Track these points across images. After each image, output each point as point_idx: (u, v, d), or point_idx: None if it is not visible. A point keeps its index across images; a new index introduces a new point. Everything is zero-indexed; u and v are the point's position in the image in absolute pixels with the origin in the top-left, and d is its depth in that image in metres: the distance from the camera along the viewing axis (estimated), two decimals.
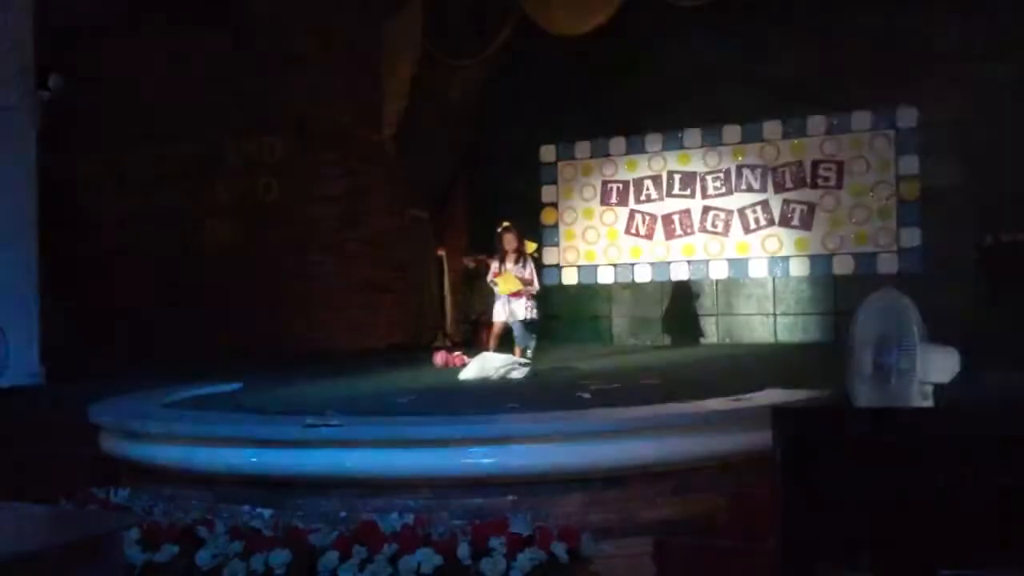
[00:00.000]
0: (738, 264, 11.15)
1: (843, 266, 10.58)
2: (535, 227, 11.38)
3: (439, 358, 8.92)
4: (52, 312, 7.73)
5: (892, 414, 3.66)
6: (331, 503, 4.46)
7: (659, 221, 11.56)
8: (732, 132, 11.18)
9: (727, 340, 11.12)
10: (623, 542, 3.83)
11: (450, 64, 10.72)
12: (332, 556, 3.50)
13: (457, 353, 8.88)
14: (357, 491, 4.53)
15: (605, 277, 11.86)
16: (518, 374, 7.50)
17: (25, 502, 4.40)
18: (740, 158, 11.16)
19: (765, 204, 11.00)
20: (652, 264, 11.60)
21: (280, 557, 3.50)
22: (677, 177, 11.47)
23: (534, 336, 8.75)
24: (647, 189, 11.62)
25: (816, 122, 10.75)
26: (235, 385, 7.19)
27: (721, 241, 11.23)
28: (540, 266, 10.03)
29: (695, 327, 11.27)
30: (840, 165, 10.63)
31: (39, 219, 7.90)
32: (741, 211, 11.13)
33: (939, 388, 4.09)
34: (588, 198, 11.95)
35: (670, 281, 11.50)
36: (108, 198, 8.58)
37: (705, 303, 11.29)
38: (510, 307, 8.64)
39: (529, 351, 8.61)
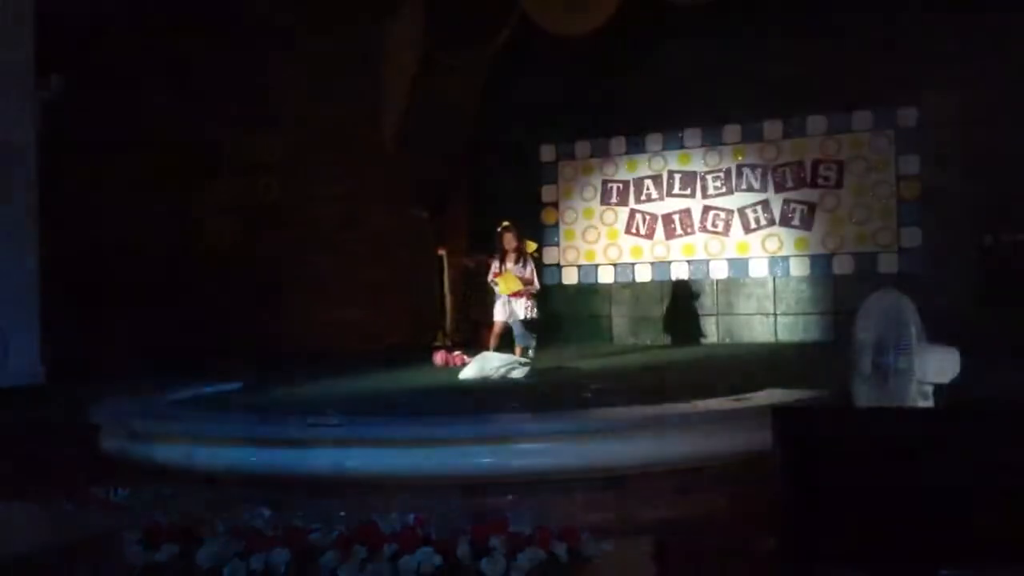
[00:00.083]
0: (738, 264, 11.15)
1: (843, 266, 10.59)
2: (535, 227, 11.38)
3: (439, 358, 8.93)
4: (52, 312, 7.73)
5: (892, 414, 3.67)
6: (331, 503, 4.46)
7: (659, 221, 11.56)
8: (732, 132, 11.18)
9: (727, 340, 11.12)
10: (623, 542, 3.82)
11: (450, 64, 10.71)
12: (332, 556, 3.49)
13: (457, 353, 8.89)
14: (357, 491, 4.53)
15: (605, 277, 11.86)
16: (518, 374, 7.51)
17: (25, 502, 4.41)
18: (740, 158, 11.16)
19: (765, 204, 11.00)
20: (652, 264, 11.60)
21: (280, 556, 3.50)
22: (677, 177, 11.47)
23: (534, 335, 8.76)
24: (647, 189, 11.62)
25: (816, 122, 10.76)
26: (235, 385, 7.20)
27: (721, 241, 11.23)
28: (540, 266, 10.04)
29: (695, 327, 11.28)
30: (840, 165, 10.64)
31: (40, 219, 7.91)
32: (741, 211, 11.14)
33: (939, 388, 4.10)
34: (588, 198, 11.95)
35: (670, 281, 11.50)
36: (108, 198, 8.57)
37: (705, 303, 11.30)
38: (510, 307, 8.65)
39: (530, 351, 8.62)
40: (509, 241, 8.74)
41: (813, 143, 10.79)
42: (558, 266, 12.04)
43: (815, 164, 10.76)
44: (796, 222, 10.86)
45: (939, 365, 4.03)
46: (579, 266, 12.01)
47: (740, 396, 5.39)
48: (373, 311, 10.35)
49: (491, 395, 6.57)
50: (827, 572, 2.90)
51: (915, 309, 4.04)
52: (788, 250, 10.90)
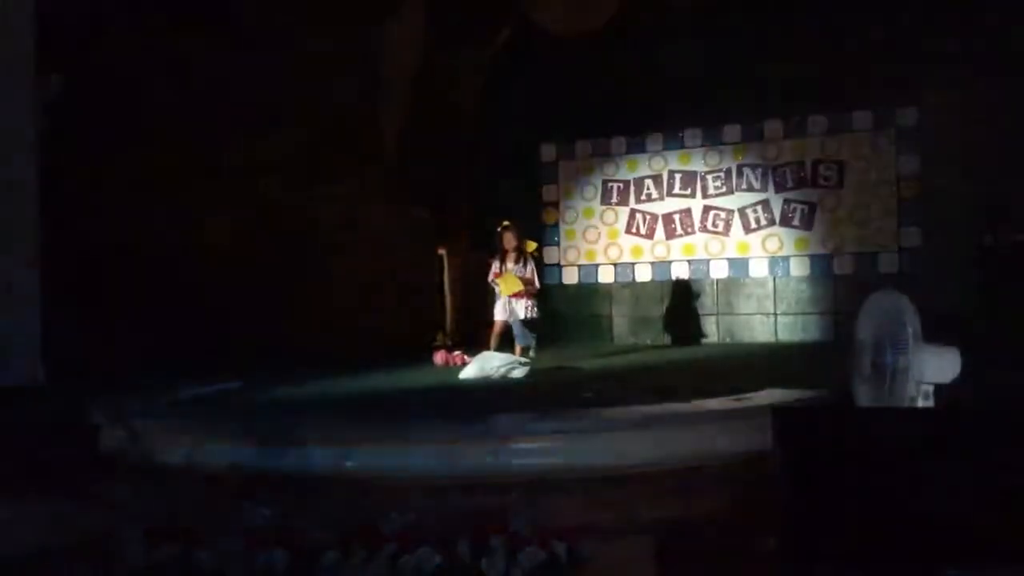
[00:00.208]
0: (738, 264, 11.15)
1: (843, 266, 10.59)
2: (536, 226, 11.38)
3: (439, 357, 8.93)
4: (52, 312, 7.72)
5: (892, 414, 3.67)
6: (331, 502, 4.46)
7: (660, 220, 11.56)
8: (733, 131, 11.19)
9: (727, 339, 11.13)
10: (623, 542, 3.82)
11: (451, 64, 10.72)
12: (332, 555, 3.49)
13: (457, 352, 8.89)
14: (357, 490, 4.53)
15: (606, 276, 11.87)
16: (518, 373, 7.51)
17: (25, 502, 4.41)
18: (741, 157, 11.17)
19: (766, 203, 11.01)
20: (652, 263, 11.61)
21: (280, 556, 3.50)
22: (678, 176, 11.48)
23: (534, 335, 8.76)
24: (648, 188, 11.62)
25: (816, 122, 10.76)
26: (235, 385, 7.20)
27: (722, 240, 11.23)
28: (540, 265, 10.04)
29: (695, 326, 11.28)
30: (841, 165, 10.64)
31: (40, 219, 7.90)
32: (742, 210, 11.14)
33: (939, 388, 4.09)
34: (589, 197, 11.95)
35: (670, 280, 11.51)
36: (108, 198, 8.57)
37: (705, 302, 11.30)
38: (511, 306, 8.65)
39: (530, 350, 8.63)
40: (509, 241, 8.75)
41: (813, 143, 10.80)
42: (558, 266, 12.04)
43: (815, 164, 10.77)
44: (796, 222, 10.86)
45: (938, 365, 4.03)
46: (579, 266, 12.01)
47: (740, 396, 5.39)
48: (373, 311, 10.35)
49: (491, 395, 6.57)
50: (827, 572, 2.90)
51: (914, 309, 4.04)
52: (788, 250, 10.90)
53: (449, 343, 10.44)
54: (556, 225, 12.10)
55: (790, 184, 10.89)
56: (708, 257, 11.30)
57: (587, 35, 10.09)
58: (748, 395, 5.41)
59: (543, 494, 4.44)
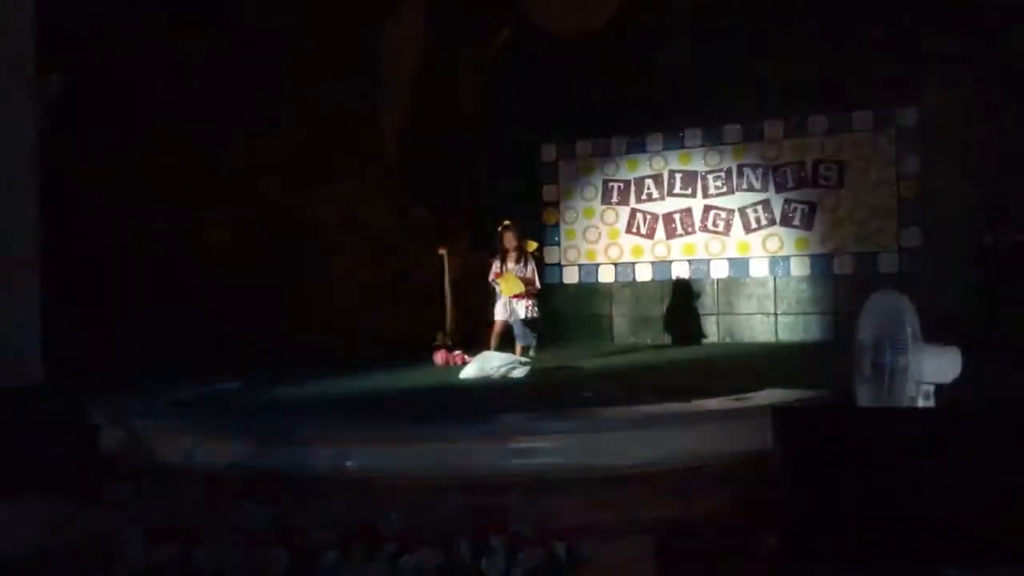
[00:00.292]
0: (739, 263, 11.15)
1: (844, 266, 10.59)
2: (536, 226, 11.38)
3: (439, 357, 8.93)
4: (52, 311, 7.72)
5: (892, 414, 3.67)
6: (331, 502, 4.46)
7: (660, 220, 11.56)
8: (733, 131, 11.19)
9: (728, 339, 11.13)
10: (623, 542, 3.82)
11: (451, 64, 10.72)
12: (332, 555, 3.49)
13: (457, 352, 8.89)
14: (357, 490, 4.53)
15: (606, 276, 11.87)
16: (519, 373, 7.51)
17: (25, 502, 4.41)
18: (741, 157, 11.16)
19: (766, 203, 11.00)
20: (653, 263, 11.60)
21: (280, 555, 3.50)
22: (678, 176, 11.48)
23: (535, 335, 8.76)
24: (648, 188, 11.62)
25: (817, 121, 10.76)
26: (235, 384, 7.20)
27: (722, 240, 11.23)
28: (541, 265, 10.04)
29: (696, 326, 11.28)
30: (841, 165, 10.64)
31: (39, 218, 7.89)
32: (742, 210, 11.14)
33: (939, 388, 4.09)
34: (589, 197, 11.95)
35: (671, 280, 11.50)
36: (108, 198, 8.57)
37: (706, 302, 11.30)
38: (511, 306, 8.66)
39: (530, 350, 8.63)
40: (510, 240, 8.75)
41: (813, 143, 10.79)
42: (559, 265, 12.04)
43: (816, 164, 10.77)
44: (797, 222, 10.86)
45: (938, 365, 4.03)
46: (580, 265, 12.01)
47: (740, 396, 5.40)
48: (373, 311, 10.35)
49: (491, 394, 6.57)
50: (827, 572, 2.90)
51: (913, 309, 4.04)
52: (789, 250, 10.90)
53: (449, 343, 10.43)
54: (556, 225, 12.10)
55: (790, 184, 10.89)
56: (708, 257, 11.30)
57: (587, 35, 10.09)
58: (748, 395, 5.42)
59: (543, 494, 4.45)
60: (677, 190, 11.47)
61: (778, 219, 10.93)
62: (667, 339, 11.35)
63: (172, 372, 7.41)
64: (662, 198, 11.55)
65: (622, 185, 11.75)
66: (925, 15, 9.76)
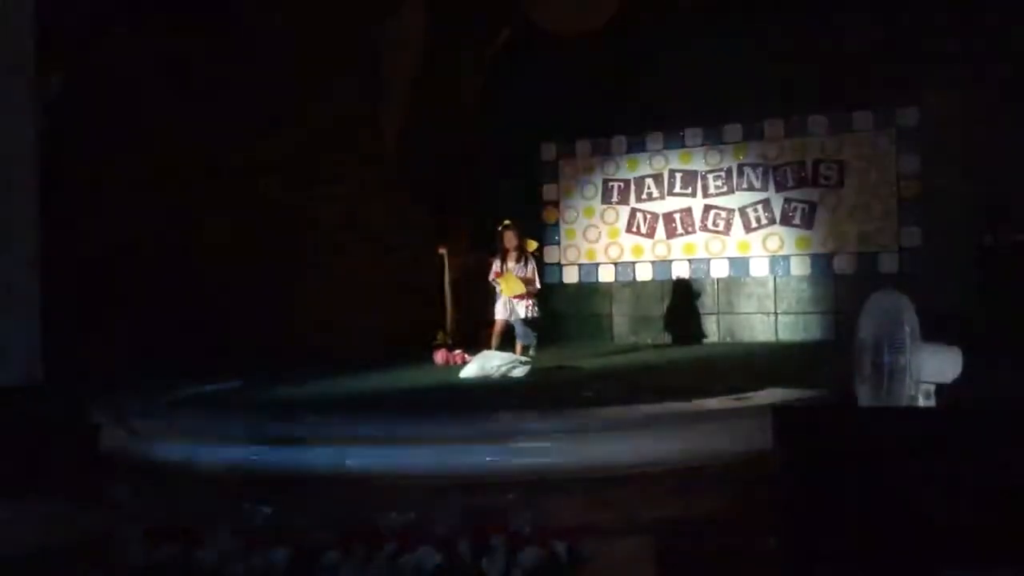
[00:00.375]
0: (739, 263, 11.15)
1: (844, 265, 10.59)
2: (536, 225, 11.38)
3: (439, 356, 8.93)
4: (52, 311, 7.72)
5: (892, 414, 3.66)
6: (331, 501, 4.46)
7: (660, 220, 11.56)
8: (733, 131, 11.19)
9: (728, 339, 11.13)
10: (623, 542, 3.82)
11: (451, 64, 10.72)
12: (332, 555, 3.50)
13: (458, 351, 8.89)
14: (357, 489, 4.53)
15: (606, 276, 11.87)
16: (519, 372, 7.51)
17: (25, 502, 4.41)
18: (741, 157, 11.17)
19: (766, 203, 11.01)
20: (653, 263, 11.60)
21: (280, 556, 3.50)
22: (678, 176, 11.48)
23: (535, 334, 8.76)
24: (648, 187, 11.62)
25: (817, 121, 10.76)
26: (235, 384, 7.20)
27: (722, 240, 11.23)
28: (541, 264, 10.04)
29: (696, 326, 11.28)
30: (841, 164, 10.64)
31: (39, 218, 7.89)
32: (742, 210, 11.14)
33: (940, 388, 4.09)
34: (589, 196, 11.95)
35: (671, 280, 11.51)
36: (108, 198, 8.57)
37: (706, 302, 11.30)
38: (512, 305, 8.66)
39: (530, 349, 8.63)
40: (510, 240, 8.75)
41: (814, 142, 10.79)
42: (559, 265, 12.04)
43: (816, 163, 10.77)
44: (797, 221, 10.86)
45: (939, 365, 4.02)
46: (580, 265, 12.01)
47: (740, 396, 5.39)
48: (373, 311, 10.35)
49: (492, 394, 6.57)
50: (827, 572, 2.90)
51: (912, 308, 4.04)
52: (789, 249, 10.90)
53: (449, 342, 10.44)
54: (556, 224, 12.10)
55: (791, 183, 10.89)
56: (709, 256, 11.30)
57: (587, 35, 10.08)
58: (748, 395, 5.42)
59: (543, 494, 4.45)
60: (677, 189, 11.47)
61: (778, 219, 10.94)
62: (667, 339, 11.35)
63: (172, 372, 7.41)
64: (662, 197, 11.55)
65: (622, 184, 11.75)
66: (925, 15, 9.75)
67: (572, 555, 3.42)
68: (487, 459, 4.66)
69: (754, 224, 11.07)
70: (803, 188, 10.82)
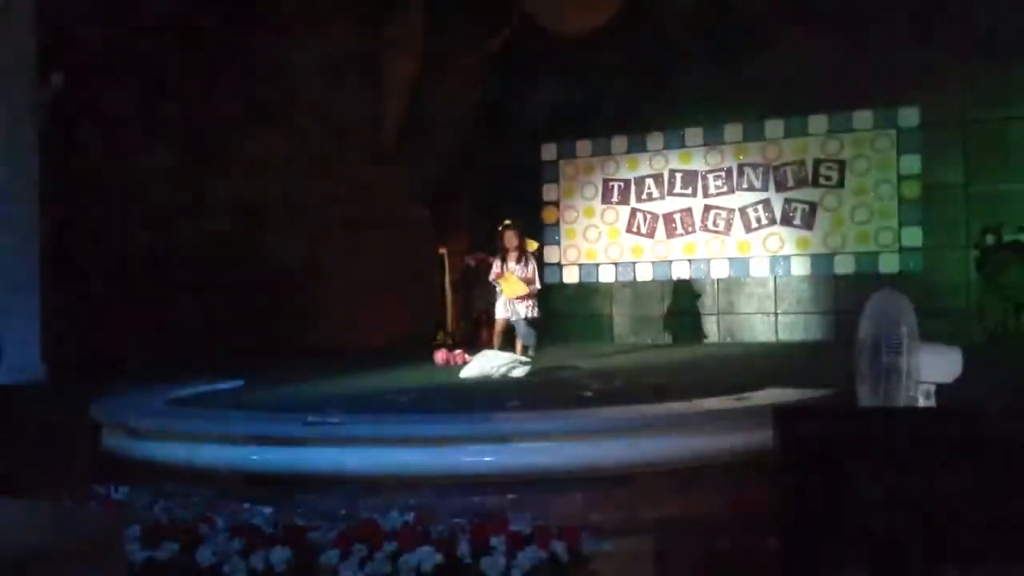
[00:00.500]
0: (739, 263, 11.14)
1: (844, 265, 10.59)
2: (536, 225, 11.38)
3: (440, 356, 8.92)
4: (53, 310, 7.73)
5: (892, 414, 3.67)
6: (332, 501, 4.46)
7: (660, 220, 11.56)
8: (733, 131, 11.18)
9: (728, 339, 11.12)
10: (623, 542, 3.82)
11: (451, 63, 10.72)
12: (332, 554, 3.50)
13: (458, 351, 8.88)
14: (357, 489, 4.53)
15: (606, 276, 11.86)
16: (519, 372, 7.50)
17: (26, 501, 4.40)
18: (741, 157, 11.16)
19: (767, 203, 11.00)
20: (653, 263, 11.60)
21: (280, 555, 3.51)
22: (678, 176, 11.47)
23: (536, 334, 8.76)
24: (648, 188, 11.62)
25: (817, 121, 10.75)
26: (236, 383, 7.20)
27: (722, 240, 11.23)
28: (541, 264, 10.04)
29: (696, 326, 11.28)
30: (842, 164, 10.63)
31: (40, 218, 7.91)
32: (742, 210, 11.13)
33: (940, 388, 4.09)
34: (589, 197, 11.95)
35: (671, 280, 11.50)
36: (109, 197, 8.58)
37: (706, 302, 11.29)
38: (512, 305, 8.66)
39: (530, 349, 8.62)
40: (510, 240, 8.75)
41: (814, 142, 10.79)
42: (559, 265, 12.04)
43: (816, 163, 10.76)
44: (797, 221, 10.86)
45: (939, 365, 4.03)
46: (580, 265, 12.01)
47: (740, 396, 5.39)
48: (374, 310, 10.35)
49: (492, 394, 6.57)
50: (828, 573, 2.90)
51: (911, 308, 4.04)
52: (789, 249, 10.90)
53: (450, 342, 10.44)
54: (556, 224, 12.10)
55: (791, 183, 10.89)
56: (709, 256, 11.29)
57: (587, 34, 10.08)
58: (748, 395, 5.41)
59: (543, 494, 4.45)
60: (677, 189, 11.46)
61: (778, 219, 10.93)
62: (667, 339, 11.35)
63: (172, 371, 7.41)
64: (662, 197, 11.54)
65: (622, 184, 11.75)
66: (925, 15, 9.75)
67: (572, 555, 3.43)
68: (487, 459, 4.66)
69: (754, 224, 11.06)
70: (803, 188, 10.82)
